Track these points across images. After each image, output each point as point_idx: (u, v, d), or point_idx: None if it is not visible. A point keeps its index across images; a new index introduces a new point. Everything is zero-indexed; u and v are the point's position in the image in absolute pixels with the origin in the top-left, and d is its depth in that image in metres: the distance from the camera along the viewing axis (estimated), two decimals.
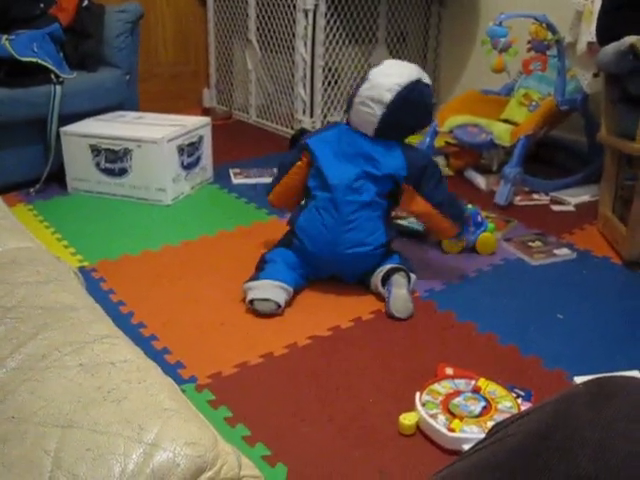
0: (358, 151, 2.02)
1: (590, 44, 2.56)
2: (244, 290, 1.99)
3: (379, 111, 1.97)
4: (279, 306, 1.93)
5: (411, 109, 2.00)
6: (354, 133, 2.05)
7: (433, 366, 1.67)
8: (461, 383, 1.58)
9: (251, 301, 1.94)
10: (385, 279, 2.01)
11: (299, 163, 2.13)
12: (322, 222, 2.01)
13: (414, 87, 1.98)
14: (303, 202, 2.12)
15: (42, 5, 3.00)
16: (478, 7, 3.85)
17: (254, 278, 2.00)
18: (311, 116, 3.71)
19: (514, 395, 1.54)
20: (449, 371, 1.64)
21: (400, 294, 1.94)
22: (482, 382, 1.58)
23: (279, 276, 1.99)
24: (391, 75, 1.98)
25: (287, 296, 1.98)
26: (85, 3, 3.12)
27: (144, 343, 1.76)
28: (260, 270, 2.04)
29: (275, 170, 2.27)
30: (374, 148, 2.01)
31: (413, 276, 2.06)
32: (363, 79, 2.02)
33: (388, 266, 2.03)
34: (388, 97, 1.95)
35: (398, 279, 1.99)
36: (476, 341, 1.82)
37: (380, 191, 2.01)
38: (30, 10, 2.98)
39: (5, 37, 2.70)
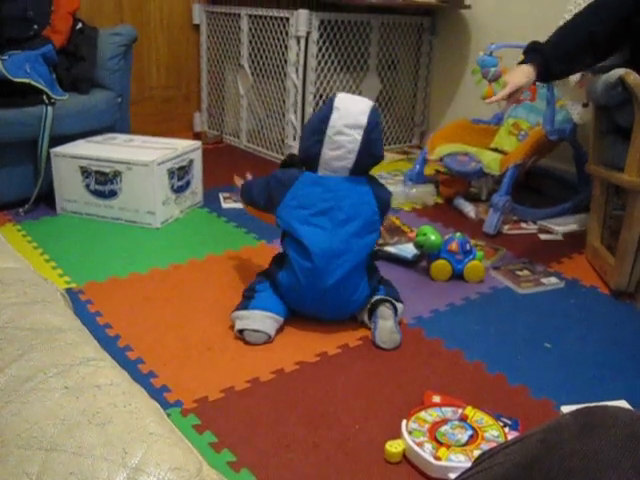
0: (334, 205, 1.94)
1: (583, 75, 2.57)
2: (232, 319, 1.97)
3: (358, 136, 1.88)
4: (269, 337, 1.92)
5: (379, 133, 1.97)
6: (324, 180, 1.95)
7: (420, 393, 1.67)
8: (448, 411, 1.58)
9: (241, 331, 1.92)
10: (371, 311, 1.99)
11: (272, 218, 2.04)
12: (304, 289, 1.94)
13: (376, 109, 1.96)
14: (280, 258, 2.05)
15: (36, 27, 3.01)
16: (469, 36, 3.89)
17: (243, 307, 1.97)
18: None
19: (501, 424, 1.53)
20: (436, 399, 1.63)
21: (386, 326, 1.92)
22: (469, 410, 1.57)
23: (269, 306, 1.96)
24: (357, 100, 1.94)
25: (277, 325, 1.96)
26: (79, 26, 3.14)
27: (130, 366, 1.75)
28: (249, 299, 2.00)
29: (251, 186, 2.17)
30: (348, 192, 1.95)
31: (400, 306, 2.03)
32: (326, 112, 1.91)
33: (374, 298, 2.01)
34: (364, 120, 1.89)
35: (384, 311, 1.96)
36: (464, 369, 1.82)
37: (364, 243, 1.97)
38: (24, 31, 2.99)
39: None
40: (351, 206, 1.94)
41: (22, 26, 2.99)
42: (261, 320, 1.92)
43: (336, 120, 1.89)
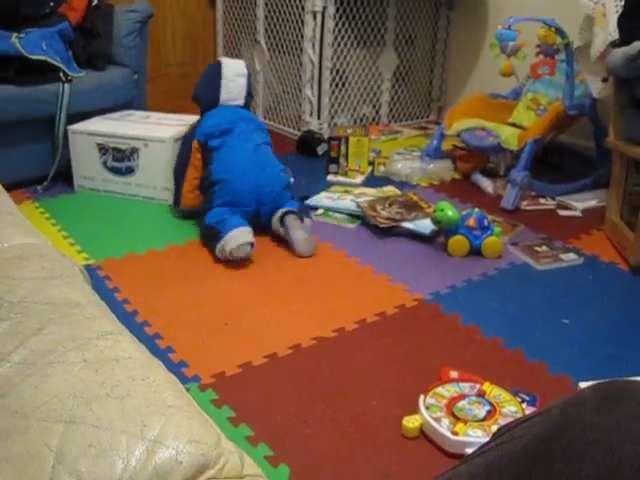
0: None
1: (611, 44, 2.52)
2: (218, 252, 2.22)
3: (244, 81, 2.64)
4: (252, 245, 2.21)
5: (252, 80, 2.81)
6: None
7: (437, 369, 1.67)
8: (465, 387, 1.58)
9: (230, 253, 2.17)
10: (281, 222, 2.35)
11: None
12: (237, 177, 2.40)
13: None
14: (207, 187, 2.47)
15: (52, 4, 3.01)
16: (487, 10, 3.85)
17: (219, 238, 2.21)
18: (318, 118, 3.71)
19: (519, 400, 1.53)
20: (454, 374, 1.63)
21: (299, 236, 2.30)
22: (487, 386, 1.57)
23: (237, 223, 2.27)
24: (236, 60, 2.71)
25: (252, 234, 2.25)
26: (95, 2, 3.12)
27: (148, 341, 1.76)
28: (218, 231, 2.24)
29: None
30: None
31: (307, 220, 2.41)
32: (217, 67, 2.63)
33: (281, 210, 2.38)
34: (245, 70, 2.66)
35: (292, 222, 2.33)
36: (481, 345, 1.81)
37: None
38: (40, 9, 2.98)
39: (15, 35, 2.70)
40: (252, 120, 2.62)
41: (38, 4, 2.99)
42: (239, 236, 2.20)
43: (227, 72, 2.60)
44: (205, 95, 2.62)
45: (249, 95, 2.68)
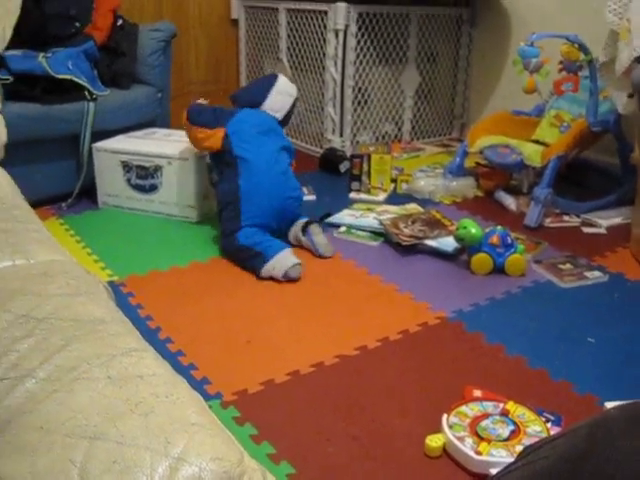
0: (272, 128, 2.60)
1: (636, 59, 2.50)
2: (265, 273, 2.25)
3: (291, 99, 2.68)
4: (300, 264, 2.28)
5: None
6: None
7: (461, 388, 1.66)
8: (489, 406, 1.56)
9: (285, 275, 2.23)
10: (303, 230, 2.48)
11: None
12: (263, 192, 2.43)
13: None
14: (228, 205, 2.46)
15: (78, 24, 3.05)
16: (509, 27, 3.85)
17: (265, 260, 2.26)
18: (341, 135, 3.72)
19: (543, 419, 1.51)
20: (477, 393, 1.62)
21: (321, 240, 2.46)
22: (511, 405, 1.56)
23: (278, 245, 2.34)
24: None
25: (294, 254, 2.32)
26: (120, 22, 3.16)
27: (171, 358, 1.76)
28: (260, 252, 2.29)
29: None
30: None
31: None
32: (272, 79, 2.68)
33: (301, 220, 2.52)
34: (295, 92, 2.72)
35: (314, 228, 2.48)
36: (505, 363, 1.80)
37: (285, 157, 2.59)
38: (66, 29, 3.03)
39: (42, 55, 2.74)
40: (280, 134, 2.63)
41: (65, 24, 3.03)
42: (287, 257, 2.28)
43: (280, 85, 2.64)
44: (249, 97, 2.64)
45: (288, 116, 2.69)
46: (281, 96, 2.63)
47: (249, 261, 2.32)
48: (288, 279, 2.24)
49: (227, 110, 2.59)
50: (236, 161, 2.44)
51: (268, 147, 2.50)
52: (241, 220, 2.40)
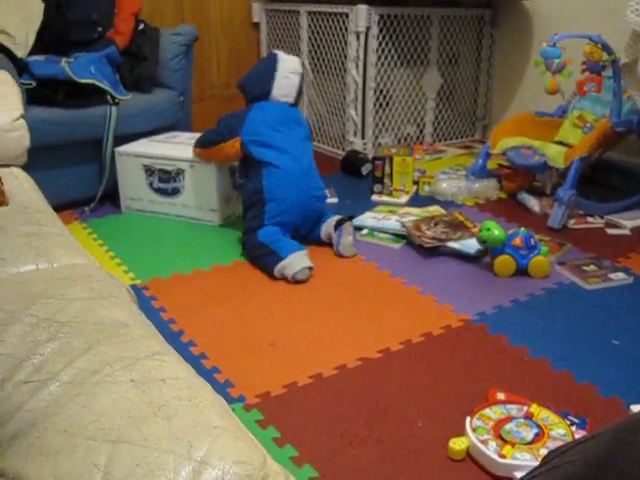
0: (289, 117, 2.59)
1: None
2: (277, 272, 2.28)
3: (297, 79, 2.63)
4: (311, 268, 2.29)
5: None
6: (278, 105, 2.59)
7: (484, 391, 1.64)
8: (513, 409, 1.55)
9: (292, 277, 2.25)
10: (336, 226, 2.49)
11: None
12: (288, 186, 2.45)
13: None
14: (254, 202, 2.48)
15: (100, 29, 3.07)
16: (531, 28, 3.82)
17: (277, 259, 2.29)
18: (362, 138, 3.72)
19: (568, 422, 1.50)
20: (501, 396, 1.60)
21: (348, 240, 2.47)
22: (535, 408, 1.54)
23: (293, 245, 2.36)
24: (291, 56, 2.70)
25: (309, 258, 2.32)
26: (141, 27, 3.18)
27: (194, 361, 1.77)
28: (275, 251, 2.32)
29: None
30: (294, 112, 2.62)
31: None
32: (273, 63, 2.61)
33: (336, 217, 2.53)
34: (300, 69, 2.66)
35: (348, 227, 2.49)
36: (529, 366, 1.78)
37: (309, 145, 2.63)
38: (88, 34, 3.05)
39: (64, 60, 2.77)
40: (298, 120, 2.61)
41: (87, 29, 3.06)
42: (299, 259, 2.29)
43: (282, 67, 2.59)
44: (255, 86, 2.61)
45: (299, 94, 2.66)
46: (287, 79, 2.59)
47: (263, 258, 2.35)
48: (295, 281, 2.25)
49: (237, 115, 2.57)
50: (259, 164, 2.45)
51: (289, 141, 2.50)
52: (264, 219, 2.42)
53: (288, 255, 2.28)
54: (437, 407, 1.61)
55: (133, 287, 2.19)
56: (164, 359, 0.79)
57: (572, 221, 2.80)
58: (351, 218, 2.70)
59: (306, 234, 2.54)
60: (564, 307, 2.11)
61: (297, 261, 2.27)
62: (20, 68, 2.66)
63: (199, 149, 2.67)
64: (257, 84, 2.61)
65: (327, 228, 2.52)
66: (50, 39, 2.92)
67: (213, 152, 2.62)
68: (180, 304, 2.11)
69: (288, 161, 2.45)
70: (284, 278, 2.27)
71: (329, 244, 2.53)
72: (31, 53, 2.78)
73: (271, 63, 2.61)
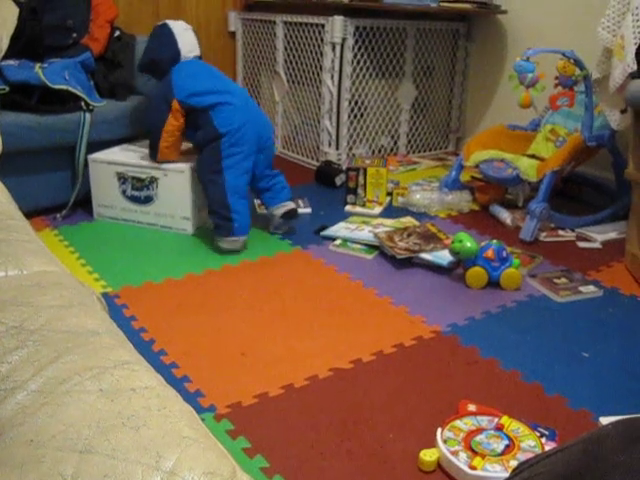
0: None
1: (629, 75, 2.51)
2: (217, 241, 2.57)
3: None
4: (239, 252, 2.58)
5: None
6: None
7: (455, 402, 1.65)
8: (484, 420, 1.56)
9: (224, 248, 2.55)
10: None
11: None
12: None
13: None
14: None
15: (75, 35, 3.06)
16: (505, 42, 3.86)
17: (229, 230, 2.54)
18: (337, 148, 3.73)
19: (538, 434, 1.51)
20: (472, 407, 1.61)
21: (285, 229, 2.79)
22: (505, 420, 1.55)
23: (245, 230, 2.57)
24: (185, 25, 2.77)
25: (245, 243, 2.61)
26: (117, 33, 3.17)
27: (164, 370, 1.76)
28: (229, 222, 2.53)
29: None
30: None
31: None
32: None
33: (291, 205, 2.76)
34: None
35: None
36: (500, 378, 1.79)
37: None
38: (63, 40, 3.03)
39: (38, 65, 2.74)
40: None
41: (62, 35, 3.04)
42: (239, 242, 2.57)
43: (175, 27, 2.68)
44: (164, 54, 2.67)
45: (200, 46, 2.79)
46: (186, 35, 2.69)
47: (219, 220, 2.55)
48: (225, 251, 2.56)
49: (161, 88, 2.66)
50: (204, 111, 2.57)
51: (227, 83, 2.67)
52: (221, 153, 2.54)
53: (237, 236, 2.54)
54: (408, 418, 1.61)
55: (104, 295, 2.17)
56: (134, 368, 0.79)
57: (544, 234, 2.82)
58: (324, 228, 2.72)
59: (258, 185, 2.72)
60: (535, 319, 2.13)
61: (237, 244, 2.56)
62: None
63: (154, 153, 2.71)
64: (164, 51, 2.67)
65: (276, 212, 2.74)
66: (24, 44, 2.89)
67: (167, 143, 2.66)
68: (151, 313, 2.09)
69: (233, 98, 2.59)
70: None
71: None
72: (4, 58, 2.75)
73: (164, 29, 2.68)
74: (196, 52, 2.72)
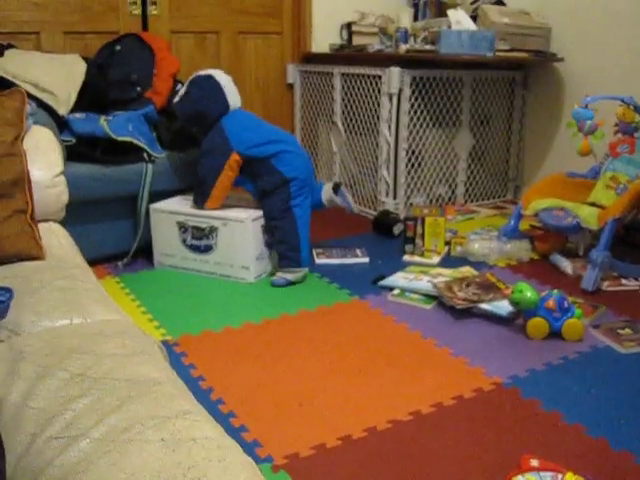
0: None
1: None
2: (280, 276, 2.75)
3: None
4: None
5: None
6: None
7: (517, 456, 1.61)
8: (547, 476, 1.51)
9: (287, 280, 2.73)
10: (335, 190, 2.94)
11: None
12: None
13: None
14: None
15: (138, 89, 3.15)
16: (562, 89, 3.85)
17: (300, 265, 2.75)
18: (394, 198, 3.73)
19: None
20: (534, 463, 1.57)
21: (352, 200, 3.04)
22: (569, 476, 1.50)
23: (308, 262, 2.80)
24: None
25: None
26: (179, 86, 3.26)
27: (222, 419, 1.76)
28: (300, 255, 2.74)
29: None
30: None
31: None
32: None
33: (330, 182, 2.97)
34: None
35: (345, 190, 2.98)
36: (563, 432, 1.75)
37: None
38: (127, 93, 3.13)
39: (103, 118, 2.84)
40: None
41: (126, 89, 3.14)
42: (302, 276, 2.77)
43: (222, 80, 2.79)
44: (214, 107, 2.76)
45: None
46: (232, 89, 2.80)
47: (289, 252, 2.73)
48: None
49: (214, 141, 2.77)
50: (264, 160, 2.73)
51: (275, 130, 2.83)
52: (289, 194, 2.73)
53: (302, 267, 2.75)
54: (469, 472, 1.57)
55: (164, 343, 2.19)
56: (195, 418, 0.79)
57: (606, 283, 2.76)
58: (382, 278, 2.72)
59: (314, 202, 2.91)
60: (599, 371, 2.07)
61: (299, 275, 2.74)
62: (61, 125, 2.74)
63: (203, 199, 2.79)
64: (215, 105, 2.76)
65: (327, 192, 2.93)
66: (90, 98, 2.99)
67: (219, 192, 2.78)
68: (210, 361, 2.11)
69: (289, 146, 2.76)
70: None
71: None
72: (72, 111, 2.85)
73: (210, 82, 2.77)
74: (240, 103, 2.83)
